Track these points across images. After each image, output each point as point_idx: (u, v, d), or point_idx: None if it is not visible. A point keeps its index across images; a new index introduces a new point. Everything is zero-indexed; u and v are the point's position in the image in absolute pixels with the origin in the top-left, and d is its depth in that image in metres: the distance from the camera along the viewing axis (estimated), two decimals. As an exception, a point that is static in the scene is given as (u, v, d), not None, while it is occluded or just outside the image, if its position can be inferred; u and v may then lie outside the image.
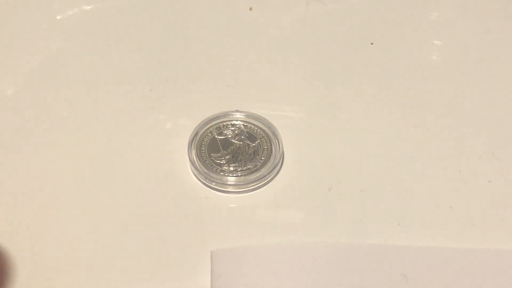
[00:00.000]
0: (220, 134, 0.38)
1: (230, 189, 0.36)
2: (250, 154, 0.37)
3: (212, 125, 0.38)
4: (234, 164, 0.36)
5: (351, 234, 0.34)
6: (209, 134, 0.37)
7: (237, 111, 0.38)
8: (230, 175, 0.36)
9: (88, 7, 0.45)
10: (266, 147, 0.37)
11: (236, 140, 0.37)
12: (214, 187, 0.36)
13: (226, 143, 0.37)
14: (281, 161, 0.37)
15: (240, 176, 0.36)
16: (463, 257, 0.33)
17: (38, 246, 0.34)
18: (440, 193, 0.36)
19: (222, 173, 0.36)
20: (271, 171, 0.36)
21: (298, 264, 0.32)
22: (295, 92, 0.41)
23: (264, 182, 0.36)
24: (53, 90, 0.41)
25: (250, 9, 0.45)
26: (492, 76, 0.41)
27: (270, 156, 0.37)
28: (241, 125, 0.38)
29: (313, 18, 0.45)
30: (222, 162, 0.36)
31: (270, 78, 0.41)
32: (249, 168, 0.36)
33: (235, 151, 0.37)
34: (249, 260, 0.33)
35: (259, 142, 0.37)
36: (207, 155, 0.37)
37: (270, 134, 0.37)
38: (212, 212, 0.35)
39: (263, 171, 0.36)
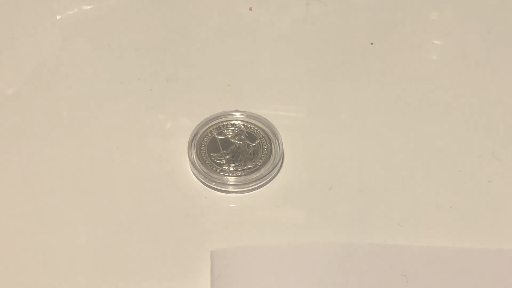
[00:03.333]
0: (220, 134, 0.38)
1: (230, 189, 0.36)
2: (250, 154, 0.37)
3: (212, 125, 0.38)
4: (234, 164, 0.36)
5: (351, 234, 0.34)
6: (209, 134, 0.37)
7: (237, 111, 0.38)
8: (230, 175, 0.36)
9: (88, 7, 0.45)
10: (266, 147, 0.37)
11: (236, 140, 0.37)
12: (214, 187, 0.36)
13: (226, 143, 0.37)
14: (281, 161, 0.37)
15: (240, 176, 0.36)
16: (463, 257, 0.33)
17: (38, 246, 0.34)
18: (440, 193, 0.36)
19: (222, 173, 0.36)
20: (271, 171, 0.36)
21: (298, 264, 0.32)
22: (295, 92, 0.41)
23: (264, 182, 0.36)
24: (53, 90, 0.41)
25: (250, 9, 0.45)
26: (492, 76, 0.41)
27: (270, 156, 0.37)
28: (241, 125, 0.38)
29: (313, 18, 0.45)
30: (222, 162, 0.36)
31: (270, 78, 0.41)
32: (249, 168, 0.36)
33: (235, 151, 0.37)
34: (249, 260, 0.33)
35: (259, 142, 0.37)
36: (207, 155, 0.37)
37: (270, 134, 0.37)
38: (212, 212, 0.35)
39: (263, 171, 0.36)
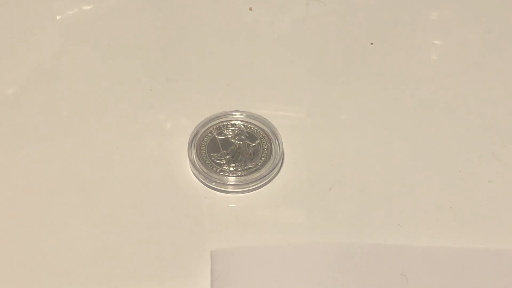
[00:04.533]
0: (220, 134, 0.38)
1: (230, 189, 0.36)
2: (250, 154, 0.37)
3: (212, 125, 0.38)
4: (234, 164, 0.36)
5: (351, 234, 0.34)
6: (209, 134, 0.37)
7: (237, 111, 0.38)
8: (230, 175, 0.36)
9: (88, 7, 0.45)
10: (266, 147, 0.37)
11: (236, 140, 0.37)
12: (214, 187, 0.36)
13: (226, 143, 0.37)
14: (281, 161, 0.37)
15: (240, 176, 0.36)
16: (463, 257, 0.33)
17: (38, 246, 0.34)
18: (440, 193, 0.36)
19: (222, 173, 0.36)
20: (271, 171, 0.36)
21: (298, 264, 0.32)
22: (295, 92, 0.41)
23: (264, 182, 0.36)
24: (53, 90, 0.41)
25: (250, 9, 0.45)
26: (492, 76, 0.41)
27: (270, 156, 0.37)
28: (241, 125, 0.38)
29: (313, 18, 0.45)
30: (222, 162, 0.36)
31: (270, 78, 0.41)
32: (249, 168, 0.36)
33: (235, 151, 0.37)
34: (249, 260, 0.33)
35: (259, 142, 0.37)
36: (207, 155, 0.37)
37: (270, 134, 0.37)
38: (212, 212, 0.35)
39: (263, 171, 0.36)
